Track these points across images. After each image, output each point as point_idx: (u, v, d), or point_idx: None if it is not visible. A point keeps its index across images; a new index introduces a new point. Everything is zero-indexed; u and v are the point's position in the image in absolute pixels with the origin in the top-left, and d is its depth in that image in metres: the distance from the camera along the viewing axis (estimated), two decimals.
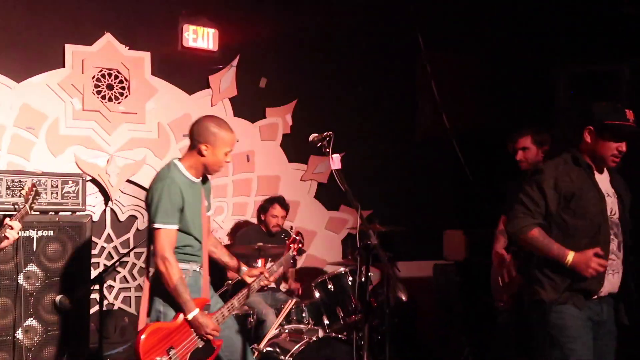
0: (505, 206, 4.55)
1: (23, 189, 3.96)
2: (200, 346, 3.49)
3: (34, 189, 3.63)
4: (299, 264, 5.86)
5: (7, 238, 3.35)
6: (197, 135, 3.49)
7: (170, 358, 3.35)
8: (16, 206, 4.08)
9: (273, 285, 5.46)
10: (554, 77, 5.88)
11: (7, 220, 3.39)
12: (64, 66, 5.26)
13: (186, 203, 3.43)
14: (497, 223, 4.67)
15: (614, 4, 5.99)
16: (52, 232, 4.26)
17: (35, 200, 3.61)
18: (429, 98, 6.47)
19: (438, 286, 5.98)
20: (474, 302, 5.56)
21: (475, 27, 6.53)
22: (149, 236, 3.48)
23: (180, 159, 3.55)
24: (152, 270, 3.50)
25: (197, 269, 3.56)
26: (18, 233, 3.40)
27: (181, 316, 3.43)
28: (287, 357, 4.31)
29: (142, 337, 3.30)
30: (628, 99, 5.52)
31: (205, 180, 3.64)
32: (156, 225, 3.38)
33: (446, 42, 6.51)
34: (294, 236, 4.09)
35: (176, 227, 3.42)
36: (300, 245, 4.11)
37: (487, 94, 6.63)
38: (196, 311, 3.41)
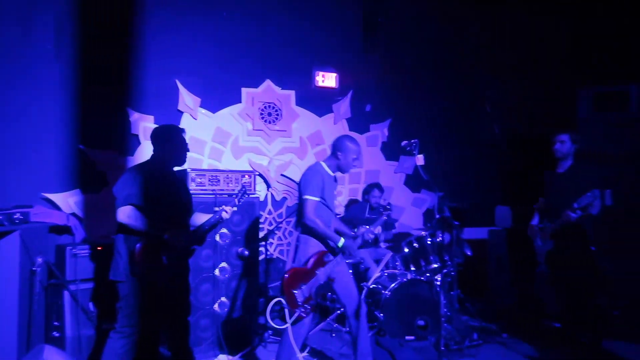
0: (544, 190, 4.21)
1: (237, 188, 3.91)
2: (322, 283, 3.40)
3: (243, 189, 3.54)
4: (395, 230, 5.73)
5: (222, 219, 3.34)
6: (336, 147, 3.51)
7: (302, 290, 3.31)
8: (215, 192, 4.18)
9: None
10: (579, 95, 5.42)
11: (223, 206, 3.35)
12: (241, 102, 5.41)
13: (325, 186, 3.43)
14: (534, 202, 4.34)
15: (624, 35, 5.46)
16: (236, 207, 4.28)
17: (242, 198, 3.51)
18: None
19: (491, 245, 5.68)
20: (517, 256, 5.22)
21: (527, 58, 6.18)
22: (299, 208, 3.44)
23: (324, 161, 3.57)
24: (295, 232, 3.49)
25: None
26: (228, 215, 3.35)
27: (310, 262, 3.36)
28: (386, 291, 4.30)
29: (286, 276, 3.30)
30: (637, 113, 5.03)
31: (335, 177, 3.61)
32: (305, 196, 3.35)
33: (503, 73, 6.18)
34: (386, 206, 3.81)
35: (318, 198, 3.38)
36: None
37: (529, 109, 6.19)
38: (342, 239, 3.37)
